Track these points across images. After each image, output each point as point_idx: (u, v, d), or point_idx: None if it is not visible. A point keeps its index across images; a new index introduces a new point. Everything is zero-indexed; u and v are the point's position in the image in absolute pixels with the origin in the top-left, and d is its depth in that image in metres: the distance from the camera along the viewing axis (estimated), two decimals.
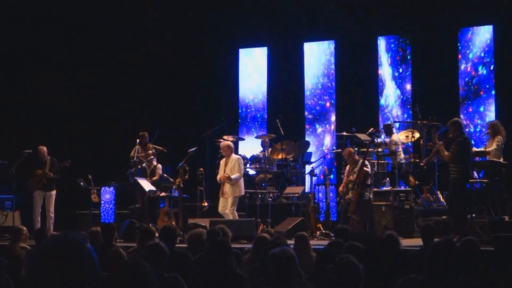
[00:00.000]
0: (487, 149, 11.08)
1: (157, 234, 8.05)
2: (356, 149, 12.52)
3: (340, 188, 12.13)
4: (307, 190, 13.79)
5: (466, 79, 15.19)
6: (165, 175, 13.33)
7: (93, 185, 13.81)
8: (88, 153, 15.35)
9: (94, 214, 13.34)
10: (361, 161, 11.85)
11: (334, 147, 15.01)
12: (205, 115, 16.32)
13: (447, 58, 15.23)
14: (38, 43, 15.81)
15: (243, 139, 15.54)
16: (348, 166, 12.08)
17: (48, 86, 15.56)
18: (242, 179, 12.10)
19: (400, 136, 13.67)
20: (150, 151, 13.36)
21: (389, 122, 14.04)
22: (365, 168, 11.84)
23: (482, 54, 15.04)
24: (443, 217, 11.52)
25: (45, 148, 13.00)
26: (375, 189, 12.02)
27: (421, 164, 12.21)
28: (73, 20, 16.06)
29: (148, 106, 16.40)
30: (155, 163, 13.43)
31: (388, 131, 13.60)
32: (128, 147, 13.79)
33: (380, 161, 12.77)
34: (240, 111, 17.27)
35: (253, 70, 17.30)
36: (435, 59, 15.17)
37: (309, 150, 15.14)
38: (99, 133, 15.85)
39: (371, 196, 11.71)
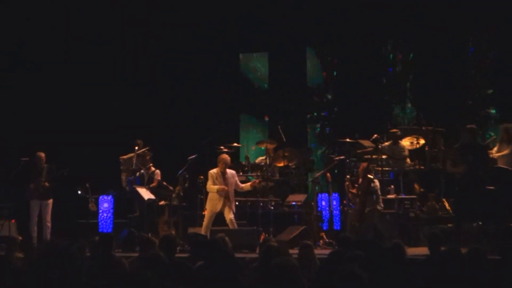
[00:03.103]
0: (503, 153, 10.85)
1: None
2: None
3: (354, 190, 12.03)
4: (309, 198, 13.77)
5: None
6: (164, 183, 13.32)
7: (91, 194, 13.79)
8: (86, 161, 15.34)
9: (92, 224, 13.31)
10: (364, 165, 11.84)
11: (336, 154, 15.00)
12: (206, 122, 16.32)
13: (453, 60, 15.28)
14: (36, 49, 15.82)
15: (238, 147, 15.54)
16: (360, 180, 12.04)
17: (47, 92, 15.58)
18: (211, 194, 11.99)
19: (404, 143, 13.65)
20: (148, 157, 13.42)
21: (395, 129, 13.98)
22: (369, 175, 11.82)
23: None
24: (449, 225, 11.51)
25: (43, 155, 12.96)
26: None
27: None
28: (70, 27, 16.07)
29: (147, 113, 16.38)
30: (153, 168, 13.45)
31: (396, 138, 13.50)
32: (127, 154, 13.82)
33: (384, 168, 12.74)
34: (240, 116, 17.29)
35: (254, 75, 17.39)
36: (439, 62, 15.22)
37: (311, 157, 15.14)
38: (97, 140, 15.83)
39: (379, 208, 11.66)
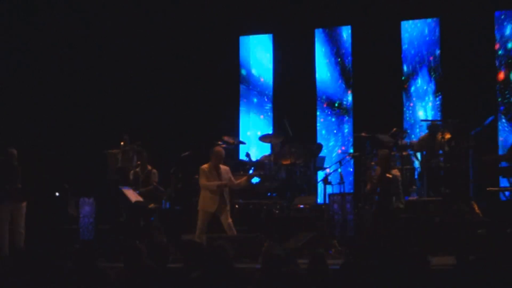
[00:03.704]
0: None
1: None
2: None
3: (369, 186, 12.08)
4: (320, 200, 13.78)
5: None
6: (154, 183, 13.32)
7: (70, 196, 13.78)
8: (65, 158, 15.33)
9: (71, 230, 13.31)
10: (383, 152, 11.86)
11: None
12: (201, 114, 16.29)
13: (481, 43, 15.27)
14: (14, 42, 15.91)
15: (244, 143, 15.53)
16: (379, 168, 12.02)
17: (18, 79, 15.62)
18: (204, 192, 11.88)
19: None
20: (144, 154, 13.36)
21: (435, 120, 13.94)
22: (388, 175, 11.82)
23: None
24: (479, 231, 11.52)
25: (15, 152, 12.90)
26: None
27: None
28: (52, 13, 16.13)
29: (135, 104, 16.35)
30: (149, 167, 13.45)
31: (434, 130, 13.46)
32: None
33: (405, 166, 12.75)
34: (240, 109, 17.30)
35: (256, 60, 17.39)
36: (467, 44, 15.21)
37: (321, 154, 15.14)
38: (78, 135, 15.83)
39: (400, 206, 11.70)
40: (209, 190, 11.74)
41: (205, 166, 11.85)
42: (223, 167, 11.92)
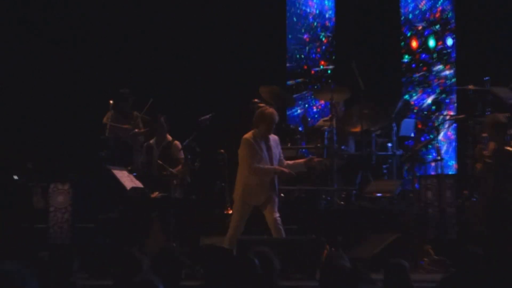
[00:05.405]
0: None
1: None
2: None
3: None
4: (406, 186, 13.65)
5: None
6: (160, 161, 13.26)
7: (35, 181, 13.78)
8: (30, 127, 15.37)
9: (38, 230, 13.32)
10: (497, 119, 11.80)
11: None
12: (228, 66, 16.26)
13: None
14: None
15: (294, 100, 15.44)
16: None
17: None
18: (246, 177, 11.73)
19: None
20: (162, 118, 13.36)
21: None
22: (507, 148, 11.71)
23: None
24: None
25: None
26: None
27: None
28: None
29: (135, 57, 16.46)
30: (170, 138, 13.57)
31: None
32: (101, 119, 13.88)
33: None
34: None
35: None
36: None
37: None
38: (52, 94, 15.91)
39: None
40: (259, 175, 11.53)
41: (249, 136, 11.63)
42: (272, 138, 11.72)
